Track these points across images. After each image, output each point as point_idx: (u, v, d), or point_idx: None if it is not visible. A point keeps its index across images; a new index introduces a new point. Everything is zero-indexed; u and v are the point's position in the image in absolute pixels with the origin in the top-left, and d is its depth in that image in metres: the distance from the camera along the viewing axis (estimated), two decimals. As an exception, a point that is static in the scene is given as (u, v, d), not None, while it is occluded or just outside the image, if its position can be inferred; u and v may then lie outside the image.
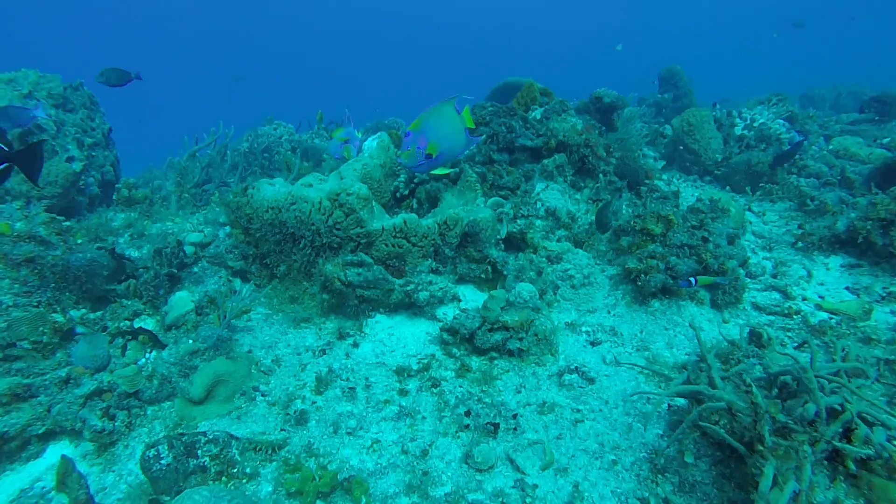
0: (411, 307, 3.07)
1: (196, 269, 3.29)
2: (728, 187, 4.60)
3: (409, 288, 2.96)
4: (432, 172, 3.11)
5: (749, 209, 4.22)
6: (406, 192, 3.93)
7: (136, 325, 2.75)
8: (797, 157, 4.51)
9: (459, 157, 3.39)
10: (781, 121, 4.97)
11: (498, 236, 3.38)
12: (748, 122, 4.96)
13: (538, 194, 3.70)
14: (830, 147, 4.81)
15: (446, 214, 3.08)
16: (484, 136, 3.34)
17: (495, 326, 2.63)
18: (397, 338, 2.91)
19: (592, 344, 2.83)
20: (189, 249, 3.28)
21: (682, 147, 4.96)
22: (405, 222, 2.96)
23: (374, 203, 3.07)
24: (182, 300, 2.71)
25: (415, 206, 3.96)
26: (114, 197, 5.21)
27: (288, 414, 2.32)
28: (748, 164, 4.42)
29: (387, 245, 2.97)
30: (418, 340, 2.89)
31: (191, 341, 2.49)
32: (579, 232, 3.54)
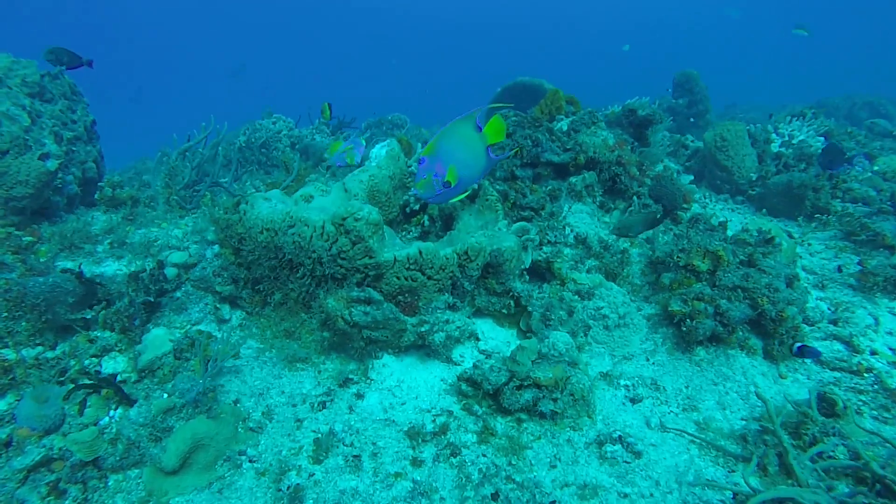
0: (423, 347, 2.69)
1: (179, 294, 2.89)
2: (764, 210, 4.23)
3: (423, 329, 2.57)
4: (451, 201, 2.68)
5: (789, 235, 3.85)
6: (417, 208, 3.54)
7: (105, 365, 2.36)
8: (838, 176, 4.14)
9: (479, 181, 2.99)
10: (822, 139, 4.60)
11: (522, 266, 3.00)
12: (786, 138, 4.59)
13: (565, 217, 3.31)
14: (876, 168, 4.45)
15: (467, 244, 2.69)
16: (511, 152, 2.94)
17: (525, 384, 2.25)
18: (408, 386, 2.53)
19: (633, 401, 2.45)
20: (171, 272, 2.88)
21: (712, 164, 4.58)
22: (421, 253, 2.57)
23: (384, 227, 2.68)
24: (158, 339, 2.32)
25: (426, 223, 3.57)
26: (96, 196, 4.78)
27: (280, 490, 1.93)
28: (788, 185, 4.05)
29: (399, 278, 2.58)
30: (432, 389, 2.51)
31: (165, 395, 2.10)
32: (611, 262, 3.16)
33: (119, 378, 2.34)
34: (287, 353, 2.66)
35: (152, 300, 2.61)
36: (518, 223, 3.07)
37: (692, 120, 8.87)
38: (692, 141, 5.25)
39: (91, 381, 2.08)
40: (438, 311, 2.65)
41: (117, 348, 2.47)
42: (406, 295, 2.63)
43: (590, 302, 2.89)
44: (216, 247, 2.97)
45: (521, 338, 2.92)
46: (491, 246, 2.78)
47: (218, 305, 2.87)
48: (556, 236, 3.13)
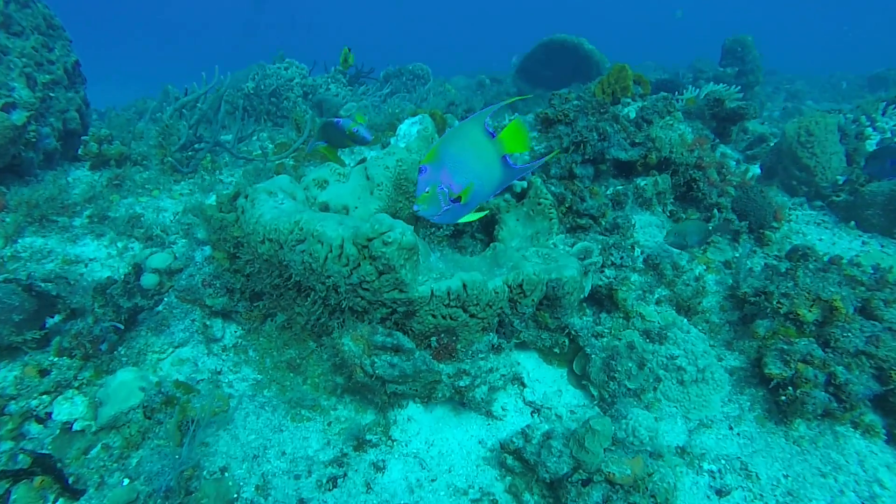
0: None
1: (161, 308, 2.36)
2: (853, 223, 3.61)
3: (461, 383, 2.05)
4: (461, 221, 2.08)
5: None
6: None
7: (58, 409, 1.86)
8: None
9: (492, 197, 2.38)
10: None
11: (581, 295, 2.44)
12: (887, 134, 3.90)
13: (632, 232, 2.73)
14: None
15: (523, 274, 2.12)
16: (542, 161, 2.29)
17: (596, 479, 1.75)
18: (439, 451, 2.03)
19: (719, 493, 1.96)
20: (150, 280, 2.33)
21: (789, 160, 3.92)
22: (465, 286, 2.01)
23: (420, 247, 2.10)
24: (123, 388, 1.79)
25: (461, 223, 2.99)
26: (80, 151, 4.18)
27: None
28: (893, 195, 3.41)
29: (435, 316, 2.03)
30: (469, 457, 2.02)
31: (126, 481, 1.60)
32: (685, 291, 2.60)
33: (77, 427, 1.84)
34: (290, 394, 2.15)
35: (121, 327, 2.08)
36: (580, 243, 2.49)
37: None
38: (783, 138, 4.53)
39: (16, 468, 1.57)
40: (480, 356, 2.13)
41: (76, 383, 1.96)
42: (443, 336, 2.10)
43: (661, 347, 2.35)
44: (207, 248, 2.41)
45: (573, 382, 2.41)
46: (549, 275, 2.21)
47: (208, 322, 2.34)
48: (622, 257, 2.55)
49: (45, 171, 3.96)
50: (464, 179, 1.93)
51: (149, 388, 1.79)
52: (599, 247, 2.55)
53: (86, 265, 2.96)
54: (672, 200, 2.99)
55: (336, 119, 2.87)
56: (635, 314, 2.48)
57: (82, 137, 4.20)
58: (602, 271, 2.55)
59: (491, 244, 2.64)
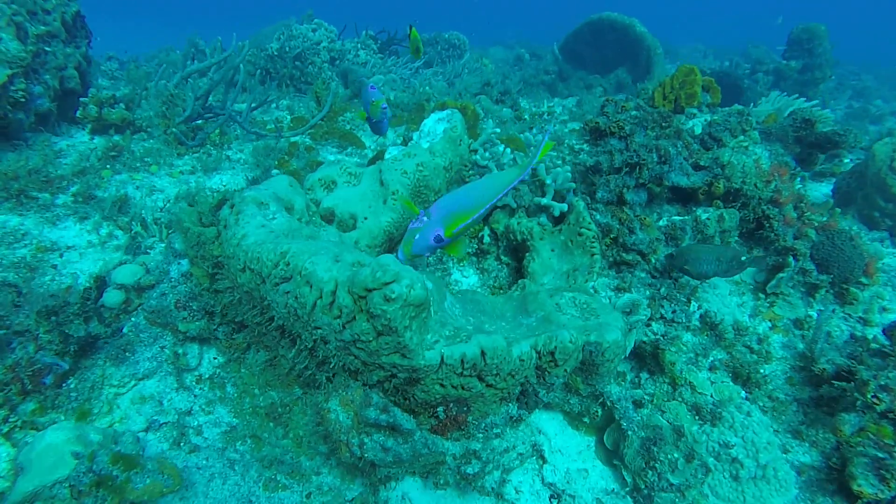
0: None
1: (127, 329, 2.01)
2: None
3: (470, 469, 1.68)
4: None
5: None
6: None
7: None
8: None
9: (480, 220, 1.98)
10: None
11: (623, 356, 2.03)
12: None
13: (687, 279, 2.28)
14: None
15: (556, 340, 1.71)
16: (541, 153, 1.85)
17: None
18: (435, 546, 1.68)
19: None
20: (114, 297, 1.98)
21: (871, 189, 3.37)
22: (483, 355, 1.62)
23: (433, 292, 1.70)
24: (50, 453, 1.44)
25: (486, 240, 2.59)
26: (77, 114, 3.83)
27: None
28: None
29: (444, 386, 1.65)
30: (470, 556, 1.67)
31: None
32: (743, 355, 2.17)
33: None
34: (267, 450, 1.81)
35: (65, 367, 1.73)
36: (626, 296, 2.06)
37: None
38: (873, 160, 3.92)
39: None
40: (495, 430, 1.75)
41: (5, 427, 1.64)
42: (452, 406, 1.72)
43: (714, 430, 1.94)
44: (185, 262, 2.05)
45: (602, 457, 2.03)
46: (587, 336, 1.80)
47: (180, 351, 1.99)
48: (674, 311, 2.12)
49: (37, 134, 3.62)
50: (452, 213, 1.70)
51: (85, 452, 1.46)
52: (648, 298, 2.12)
53: (61, 255, 2.64)
54: (737, 238, 2.52)
55: (371, 86, 2.43)
56: (684, 382, 2.06)
57: (81, 99, 3.84)
58: (649, 325, 2.14)
59: (519, 282, 2.23)
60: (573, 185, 2.46)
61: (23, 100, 3.42)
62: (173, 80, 3.86)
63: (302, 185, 2.52)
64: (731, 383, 2.10)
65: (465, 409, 1.73)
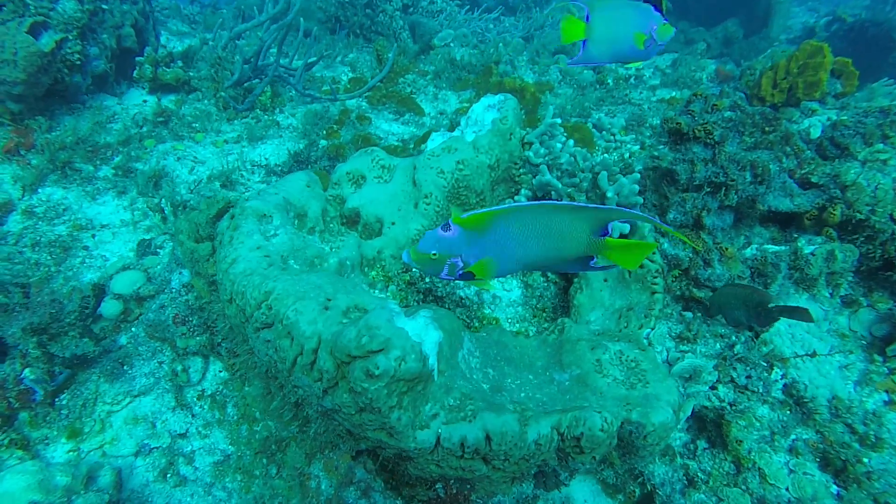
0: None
1: (125, 341, 1.90)
2: None
3: (464, 564, 1.43)
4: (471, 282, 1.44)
5: None
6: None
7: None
8: None
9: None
10: None
11: (675, 427, 1.67)
12: None
13: (772, 337, 1.82)
14: None
15: (583, 426, 1.38)
16: (608, 266, 1.40)
17: None
18: None
19: None
20: (111, 308, 1.85)
21: None
22: (489, 439, 1.33)
23: (444, 349, 1.41)
24: (6, 501, 1.35)
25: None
26: (134, 74, 3.76)
27: None
28: None
29: (441, 467, 1.39)
30: None
31: None
32: (839, 435, 1.73)
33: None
34: (257, 491, 1.67)
35: (39, 396, 1.63)
36: (688, 359, 1.66)
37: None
38: None
39: None
40: (503, 514, 1.48)
41: (-2, 447, 1.59)
42: (452, 484, 1.46)
43: (784, 535, 1.56)
44: (186, 272, 1.88)
45: (636, 540, 1.72)
46: (628, 413, 1.46)
47: (178, 368, 1.86)
48: (748, 377, 1.70)
49: (95, 96, 3.59)
50: (495, 256, 1.31)
51: (45, 501, 1.36)
52: (716, 357, 1.71)
53: (93, 235, 2.59)
54: (851, 278, 1.99)
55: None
56: (752, 466, 1.67)
57: (136, 59, 3.75)
58: (715, 388, 1.74)
59: (559, 321, 1.88)
60: (640, 199, 2.02)
61: (79, 62, 3.35)
62: (222, 39, 3.64)
63: (327, 181, 2.26)
64: (817, 475, 1.68)
65: (468, 486, 1.47)
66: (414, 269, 1.64)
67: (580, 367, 1.64)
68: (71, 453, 1.68)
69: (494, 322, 2.03)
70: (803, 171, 2.01)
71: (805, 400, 1.70)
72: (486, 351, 1.70)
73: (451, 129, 2.81)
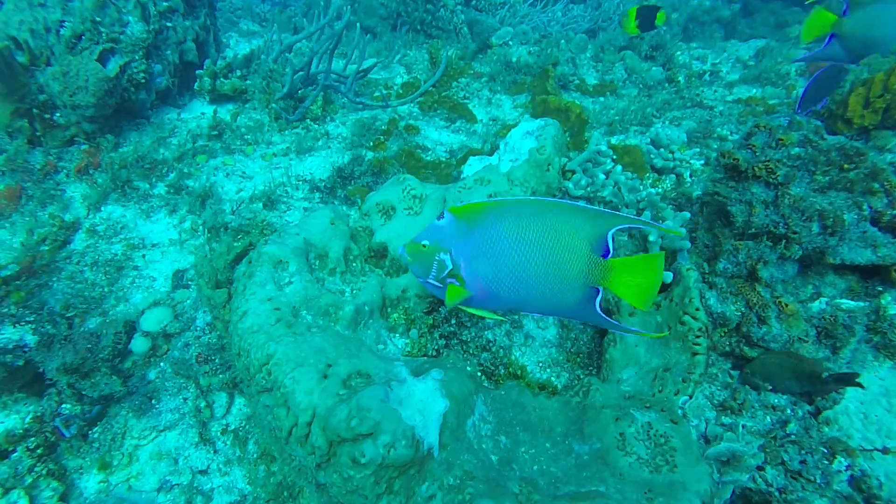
0: None
1: (154, 375, 1.96)
2: None
3: None
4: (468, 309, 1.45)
5: None
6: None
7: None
8: None
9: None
10: None
11: (708, 515, 1.49)
12: None
13: (837, 415, 1.57)
14: None
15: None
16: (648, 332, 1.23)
17: None
18: None
19: None
20: (141, 345, 1.91)
21: None
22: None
23: (450, 419, 1.32)
24: None
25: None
26: (195, 87, 3.90)
27: None
28: None
29: (435, 552, 1.31)
30: None
31: None
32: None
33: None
34: (267, 539, 1.68)
35: (67, 435, 1.70)
36: (725, 442, 1.46)
37: None
38: None
39: None
40: None
41: (29, 477, 1.68)
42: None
43: None
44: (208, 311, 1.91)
45: None
46: (648, 503, 1.31)
47: (202, 405, 1.89)
48: (803, 462, 1.49)
49: (158, 110, 3.75)
50: (487, 271, 1.32)
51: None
52: (764, 435, 1.51)
53: (144, 255, 2.71)
54: (945, 342, 1.68)
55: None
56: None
57: (197, 71, 3.87)
58: (762, 468, 1.53)
59: (585, 380, 1.74)
60: (687, 244, 1.81)
61: (143, 80, 3.49)
62: (273, 51, 3.68)
63: (365, 199, 2.22)
64: (879, 579, 1.44)
65: (469, 569, 1.38)
66: (409, 269, 1.59)
67: (601, 440, 1.49)
68: (101, 484, 1.77)
69: (521, 371, 1.90)
70: (892, 213, 1.72)
71: (876, 497, 1.45)
72: (502, 414, 1.59)
73: (491, 152, 2.67)
